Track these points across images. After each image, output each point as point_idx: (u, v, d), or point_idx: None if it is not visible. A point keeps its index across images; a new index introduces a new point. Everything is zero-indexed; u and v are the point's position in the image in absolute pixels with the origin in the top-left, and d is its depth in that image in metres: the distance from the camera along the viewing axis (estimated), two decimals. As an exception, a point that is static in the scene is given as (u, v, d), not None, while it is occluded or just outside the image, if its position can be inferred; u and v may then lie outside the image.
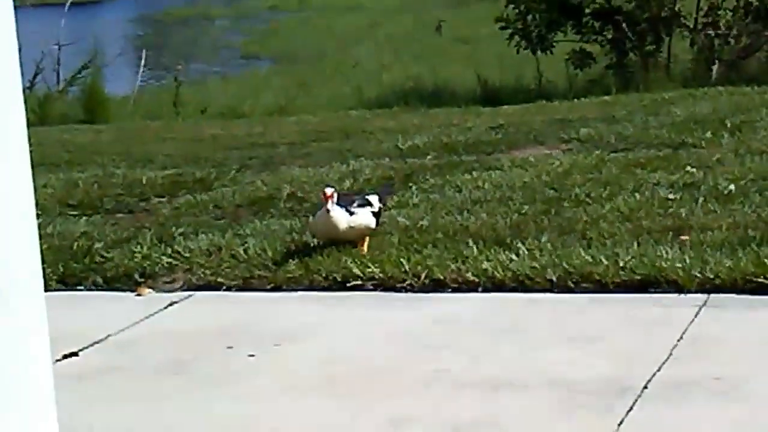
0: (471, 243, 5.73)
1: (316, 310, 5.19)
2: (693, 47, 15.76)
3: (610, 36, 15.81)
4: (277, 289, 5.49)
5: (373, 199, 5.98)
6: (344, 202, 5.77)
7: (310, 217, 5.99)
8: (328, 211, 5.67)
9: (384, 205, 6.12)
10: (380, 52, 22.61)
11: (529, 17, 15.89)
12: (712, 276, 5.03)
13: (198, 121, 14.24)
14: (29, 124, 2.17)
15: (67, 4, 19.09)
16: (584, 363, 4.29)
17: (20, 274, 1.95)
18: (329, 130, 10.71)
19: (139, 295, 5.66)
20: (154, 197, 7.73)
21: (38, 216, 2.13)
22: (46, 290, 2.55)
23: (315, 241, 5.95)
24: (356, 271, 5.47)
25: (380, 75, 18.89)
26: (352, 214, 5.76)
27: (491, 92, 15.22)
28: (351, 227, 5.75)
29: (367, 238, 5.88)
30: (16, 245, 1.91)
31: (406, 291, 5.35)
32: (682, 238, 5.62)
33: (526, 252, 5.52)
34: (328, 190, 5.77)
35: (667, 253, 5.32)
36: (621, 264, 5.23)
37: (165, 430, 4.01)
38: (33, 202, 1.96)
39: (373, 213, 5.89)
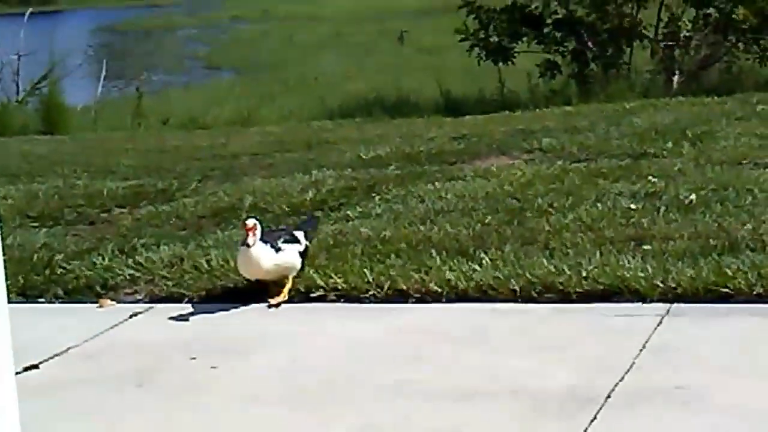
0: (434, 253, 5.73)
1: (279, 321, 5.17)
2: (653, 58, 15.88)
3: (571, 47, 15.90)
4: (239, 300, 5.46)
5: (299, 235, 5.50)
6: (269, 238, 5.28)
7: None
8: (248, 246, 5.17)
9: (310, 242, 5.60)
10: (343, 62, 22.62)
11: (491, 28, 15.95)
12: (674, 285, 5.05)
13: (160, 131, 14.19)
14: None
15: (27, 13, 18.98)
16: (548, 373, 4.30)
17: None
18: (292, 140, 10.70)
19: (100, 306, 5.63)
20: (115, 208, 7.69)
21: (-1, 227, 2.12)
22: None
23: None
24: (319, 281, 5.46)
25: (343, 85, 18.90)
26: (278, 250, 5.28)
27: (454, 102, 15.27)
28: (276, 265, 5.27)
29: (289, 282, 5.38)
30: None
31: (370, 301, 5.34)
32: (644, 248, 5.64)
33: (489, 262, 5.53)
34: (250, 222, 5.24)
35: (629, 262, 5.34)
36: (584, 274, 5.24)
37: (127, 442, 3.98)
38: None
39: (300, 252, 5.40)
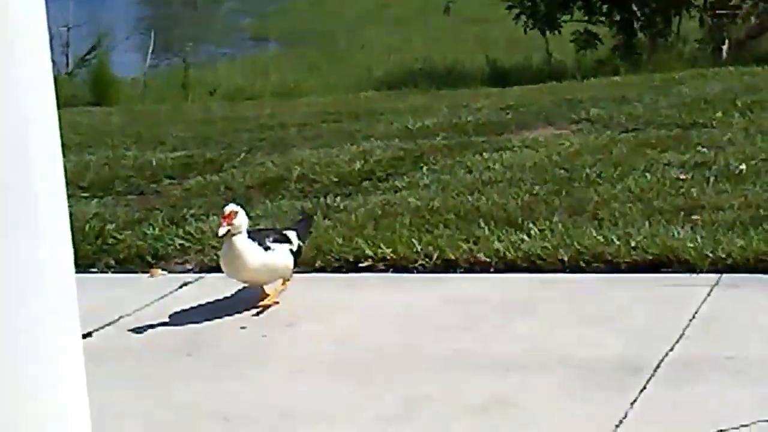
0: (482, 223, 5.73)
1: (328, 291, 5.20)
2: (702, 27, 15.72)
3: (618, 17, 15.77)
4: (289, 270, 5.48)
5: (291, 235, 4.99)
6: (257, 237, 4.80)
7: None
8: (217, 236, 4.71)
9: (303, 243, 5.06)
10: (389, 33, 22.56)
11: (537, -4, 15.86)
12: (724, 256, 5.02)
13: (207, 102, 14.24)
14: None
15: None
16: (597, 342, 4.30)
17: (52, 253, 1.96)
18: (339, 111, 10.70)
19: (151, 276, 5.68)
20: (164, 179, 7.74)
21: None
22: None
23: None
24: (368, 251, 5.47)
25: (389, 56, 18.86)
26: (267, 249, 4.74)
27: (500, 73, 15.20)
28: (265, 266, 4.74)
29: (281, 286, 4.92)
30: (47, 226, 1.93)
31: (418, 272, 5.35)
32: (694, 218, 5.62)
33: (538, 232, 5.53)
34: (227, 208, 4.67)
35: (678, 233, 5.32)
36: (633, 244, 5.23)
37: (177, 410, 4.02)
38: (63, 182, 1.98)
39: (292, 252, 4.89)
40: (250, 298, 5.07)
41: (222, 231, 4.63)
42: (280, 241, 4.87)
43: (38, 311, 1.89)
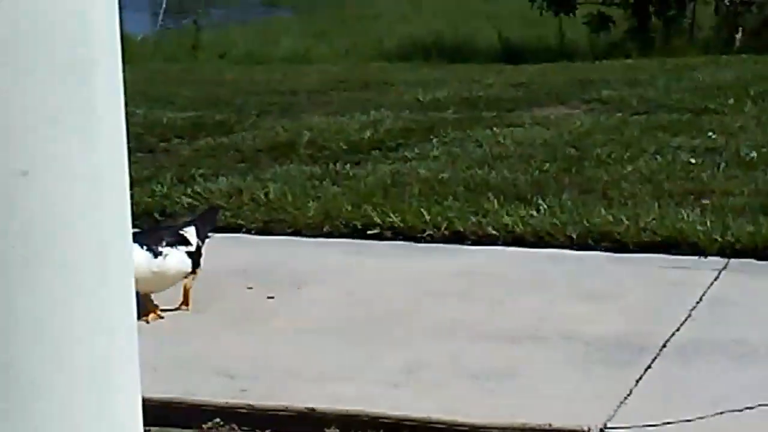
0: (492, 197, 5.73)
1: (335, 256, 5.20)
2: (717, 14, 15.68)
3: (632, 0, 15.73)
4: (296, 233, 5.50)
5: (190, 233, 4.58)
6: (148, 241, 4.41)
7: None
8: None
9: (204, 238, 4.64)
10: (400, 4, 22.50)
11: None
12: (732, 240, 5.03)
13: (217, 65, 14.21)
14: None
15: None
16: (602, 320, 4.30)
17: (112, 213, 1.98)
18: (349, 79, 10.70)
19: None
20: (174, 138, 7.74)
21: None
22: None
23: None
24: (376, 219, 5.47)
25: (401, 27, 18.81)
26: (158, 255, 4.39)
27: (512, 50, 15.16)
28: (155, 273, 4.37)
29: (189, 288, 4.55)
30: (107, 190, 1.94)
31: (426, 241, 5.35)
32: (704, 201, 5.62)
33: (547, 208, 5.53)
34: None
35: (688, 215, 5.32)
36: (641, 224, 5.23)
37: (181, 365, 4.02)
38: (125, 146, 1.99)
39: (190, 253, 4.51)
40: (255, 260, 5.07)
41: None
42: (175, 244, 4.48)
43: (93, 219, 1.90)
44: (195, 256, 4.55)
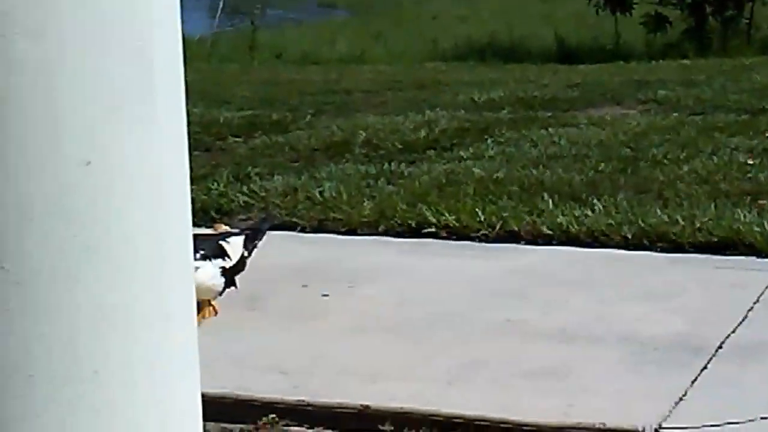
0: (546, 197, 5.72)
1: (389, 255, 5.21)
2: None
3: (689, 0, 15.62)
4: (351, 232, 5.52)
5: (233, 244, 4.27)
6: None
7: None
8: None
9: (250, 251, 4.32)
10: (457, 4, 22.49)
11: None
12: (790, 242, 4.98)
13: (273, 65, 14.28)
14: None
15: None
16: (658, 320, 4.28)
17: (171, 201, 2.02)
18: (405, 80, 10.72)
19: (214, 230, 5.71)
20: (230, 137, 7.79)
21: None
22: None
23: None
24: (431, 218, 5.48)
25: (456, 28, 18.80)
26: None
27: (568, 50, 15.12)
28: None
29: (210, 307, 4.24)
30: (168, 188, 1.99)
31: (480, 241, 5.35)
32: (761, 202, 5.58)
33: (602, 208, 5.51)
34: None
35: (744, 216, 5.28)
36: (697, 225, 5.20)
37: (234, 362, 4.05)
38: (186, 140, 2.03)
39: (226, 269, 4.19)
40: (311, 258, 5.08)
41: None
42: (211, 257, 4.16)
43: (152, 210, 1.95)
44: (231, 273, 4.22)
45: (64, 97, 1.82)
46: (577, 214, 5.42)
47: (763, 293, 4.52)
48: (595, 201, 5.63)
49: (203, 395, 2.24)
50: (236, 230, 4.72)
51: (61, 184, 1.82)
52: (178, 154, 2.00)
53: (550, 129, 7.58)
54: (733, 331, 4.13)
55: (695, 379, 3.73)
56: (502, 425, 3.47)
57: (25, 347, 1.83)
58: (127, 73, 1.88)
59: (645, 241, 5.16)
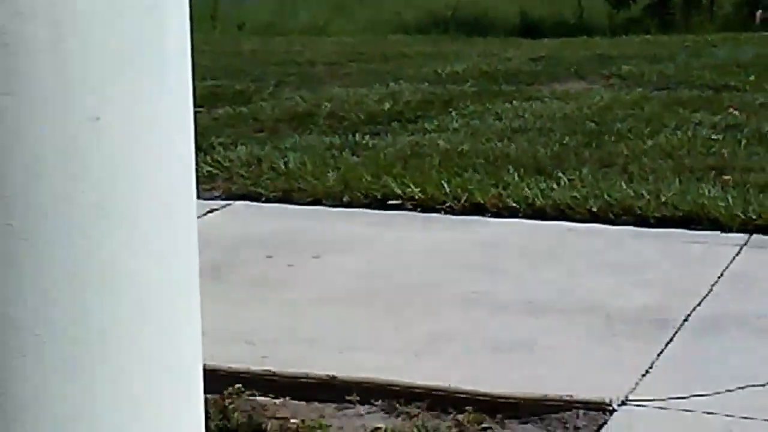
0: (512, 170, 5.71)
1: (355, 226, 5.20)
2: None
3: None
4: (316, 203, 5.49)
5: None
6: None
7: None
8: None
9: None
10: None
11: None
12: (754, 216, 5.00)
13: (236, 36, 14.19)
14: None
15: None
16: (623, 293, 4.29)
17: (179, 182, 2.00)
18: (368, 52, 10.66)
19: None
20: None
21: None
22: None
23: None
24: (397, 190, 5.46)
25: (419, 0, 18.73)
26: None
27: (531, 24, 15.10)
28: None
29: None
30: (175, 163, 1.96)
31: (446, 213, 5.34)
32: (725, 177, 5.60)
33: (567, 182, 5.51)
34: None
35: (709, 191, 5.30)
36: (662, 199, 5.21)
37: (202, 332, 4.01)
38: (192, 125, 2.00)
39: None
40: (275, 229, 5.06)
41: None
42: None
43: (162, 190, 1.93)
44: None
45: (74, 52, 1.79)
46: (542, 187, 5.43)
47: (727, 267, 4.54)
48: (560, 174, 5.63)
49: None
50: None
51: (69, 140, 1.79)
52: (185, 112, 1.98)
53: (514, 102, 7.57)
54: (699, 305, 4.14)
55: (661, 352, 3.74)
56: (470, 397, 3.46)
57: (32, 305, 1.81)
58: (137, 32, 1.85)
59: (610, 215, 5.16)
